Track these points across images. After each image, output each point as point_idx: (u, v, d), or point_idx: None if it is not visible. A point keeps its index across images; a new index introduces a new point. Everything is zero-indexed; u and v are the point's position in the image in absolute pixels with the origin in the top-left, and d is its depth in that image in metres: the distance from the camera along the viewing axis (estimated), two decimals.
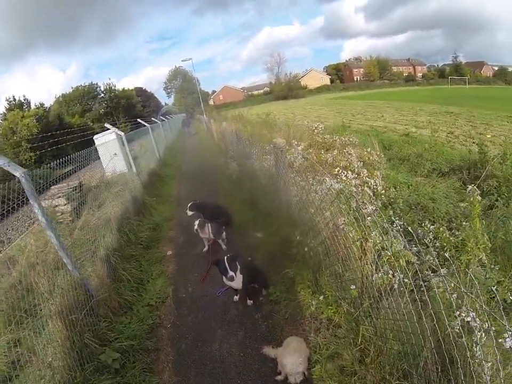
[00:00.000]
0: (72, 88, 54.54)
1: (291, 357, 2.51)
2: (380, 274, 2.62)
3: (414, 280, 2.37)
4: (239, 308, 3.66)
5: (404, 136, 14.32)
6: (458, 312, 2.06)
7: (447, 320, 1.94)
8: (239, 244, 5.02)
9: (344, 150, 5.94)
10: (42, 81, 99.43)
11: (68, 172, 6.33)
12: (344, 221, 2.69)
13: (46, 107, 42.90)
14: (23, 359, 2.91)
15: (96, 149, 7.42)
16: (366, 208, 2.72)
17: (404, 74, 77.66)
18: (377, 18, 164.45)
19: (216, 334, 3.40)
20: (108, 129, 7.86)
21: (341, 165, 5.32)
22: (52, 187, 6.62)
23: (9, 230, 8.13)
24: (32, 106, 40.43)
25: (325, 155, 5.65)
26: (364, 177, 5.46)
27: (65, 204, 6.08)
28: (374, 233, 2.45)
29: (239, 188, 6.94)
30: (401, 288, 2.40)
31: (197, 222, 4.65)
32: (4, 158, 2.70)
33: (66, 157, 5.25)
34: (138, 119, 12.61)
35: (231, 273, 3.26)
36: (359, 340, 2.55)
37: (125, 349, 3.17)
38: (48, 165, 5.38)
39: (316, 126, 7.12)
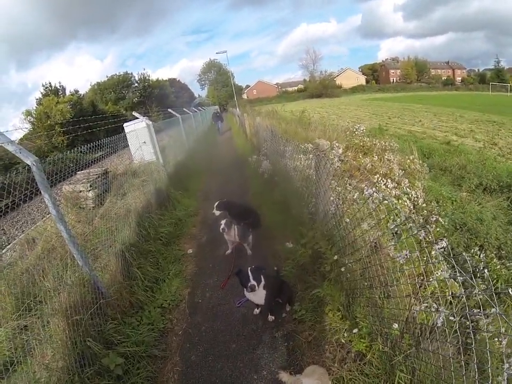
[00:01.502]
0: (107, 77, 56.24)
1: None
2: (423, 307, 2.20)
3: (460, 318, 1.95)
4: (259, 323, 3.31)
5: (445, 144, 13.41)
6: (507, 365, 1.65)
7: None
8: (266, 251, 4.61)
9: (384, 156, 5.43)
10: (81, 70, 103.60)
11: (98, 157, 6.24)
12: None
13: (81, 94, 44.61)
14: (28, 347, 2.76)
15: (125, 136, 7.32)
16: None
17: (443, 78, 74.63)
18: (416, 17, 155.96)
19: (230, 349, 3.08)
20: (137, 117, 7.73)
21: (381, 172, 4.83)
22: (78, 172, 6.56)
23: (34, 211, 8.21)
24: (68, 93, 42.03)
25: (363, 159, 5.17)
26: (405, 188, 4.97)
27: (88, 190, 5.96)
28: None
29: (271, 188, 6.47)
30: (445, 327, 1.98)
31: (223, 222, 4.37)
32: (15, 144, 2.51)
33: (96, 142, 5.12)
34: (169, 109, 12.44)
35: (253, 282, 2.91)
36: None
37: (129, 354, 2.92)
38: (78, 148, 5.26)
39: (357, 127, 6.63)
